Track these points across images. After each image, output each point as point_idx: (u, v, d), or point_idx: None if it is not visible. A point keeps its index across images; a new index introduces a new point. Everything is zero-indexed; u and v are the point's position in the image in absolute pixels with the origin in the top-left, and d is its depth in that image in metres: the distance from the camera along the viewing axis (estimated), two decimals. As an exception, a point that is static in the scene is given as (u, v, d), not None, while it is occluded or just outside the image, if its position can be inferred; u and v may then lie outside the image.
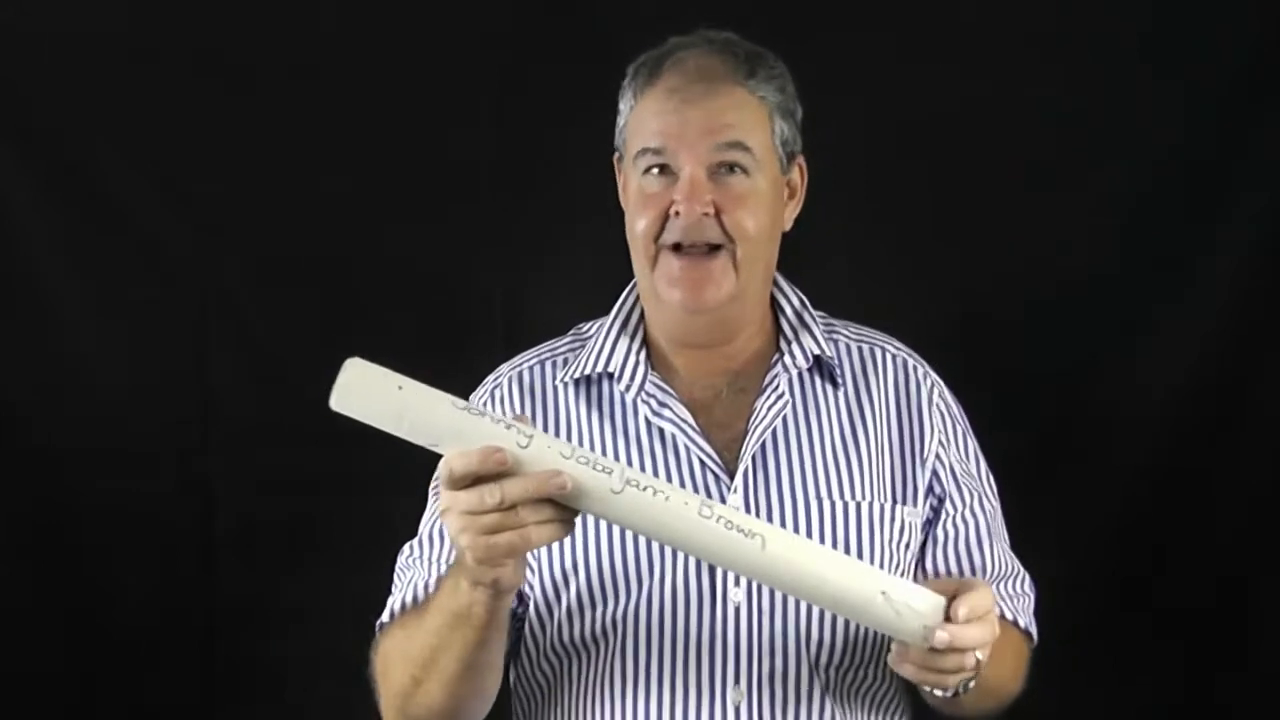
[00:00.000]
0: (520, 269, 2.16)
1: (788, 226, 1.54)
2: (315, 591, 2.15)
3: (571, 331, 1.61)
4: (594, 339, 1.56)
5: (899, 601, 1.29)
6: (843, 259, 2.05)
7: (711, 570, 1.44)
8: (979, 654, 1.32)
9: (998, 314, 2.16)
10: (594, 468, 1.25)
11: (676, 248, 1.47)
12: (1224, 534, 2.17)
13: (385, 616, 1.51)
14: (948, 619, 1.29)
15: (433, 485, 1.55)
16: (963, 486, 1.55)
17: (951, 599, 1.30)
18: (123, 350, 2.16)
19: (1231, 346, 2.16)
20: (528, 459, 1.24)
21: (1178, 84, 2.13)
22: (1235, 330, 2.16)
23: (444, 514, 1.26)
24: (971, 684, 1.36)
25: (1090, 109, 2.14)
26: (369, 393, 1.27)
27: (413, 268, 2.17)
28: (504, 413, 1.53)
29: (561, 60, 2.13)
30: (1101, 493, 2.17)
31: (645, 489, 1.26)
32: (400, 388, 1.27)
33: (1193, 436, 2.17)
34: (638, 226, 1.48)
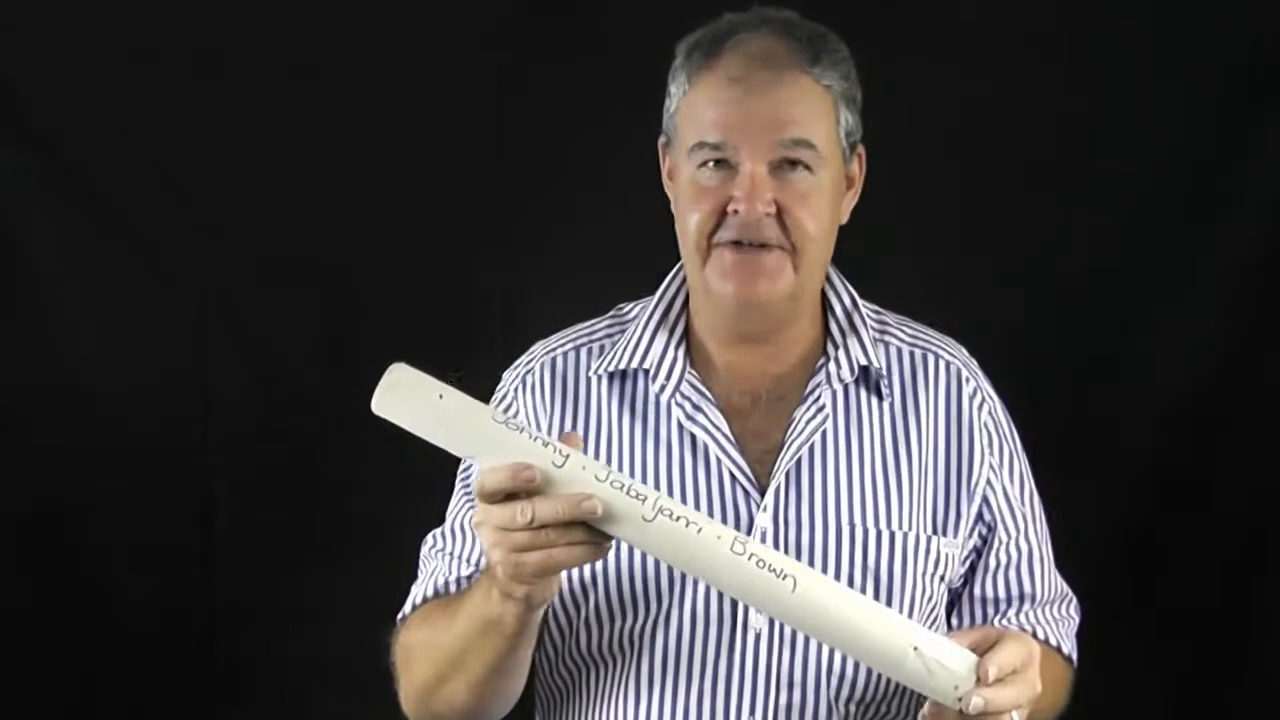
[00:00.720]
0: (520, 269, 2.15)
1: (845, 219, 1.48)
2: (315, 591, 2.15)
3: (612, 311, 1.54)
4: (633, 326, 1.50)
5: (931, 658, 1.24)
6: (841, 260, 2.04)
7: None
8: (1015, 715, 1.25)
9: (997, 314, 2.15)
10: (627, 493, 1.23)
11: (732, 243, 1.40)
12: (1225, 534, 2.17)
13: (407, 608, 1.48)
14: (980, 679, 1.23)
15: (460, 471, 1.52)
16: (1015, 513, 1.49)
17: (986, 652, 1.25)
18: (123, 350, 2.16)
19: (1231, 346, 2.16)
20: (561, 478, 1.22)
21: (1178, 84, 2.13)
22: (1235, 330, 2.16)
23: (478, 526, 1.25)
24: None
25: (1090, 109, 2.14)
26: (410, 399, 1.27)
27: (413, 268, 2.16)
28: (535, 401, 1.49)
29: (561, 60, 2.12)
30: (1101, 493, 2.17)
31: (678, 519, 1.23)
32: (441, 396, 1.26)
33: (1193, 436, 2.16)
34: (690, 221, 1.41)
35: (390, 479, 2.07)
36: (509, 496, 1.22)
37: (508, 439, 1.24)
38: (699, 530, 1.23)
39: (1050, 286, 2.17)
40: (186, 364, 2.18)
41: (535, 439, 1.25)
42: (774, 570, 1.23)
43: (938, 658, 1.24)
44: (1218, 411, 2.17)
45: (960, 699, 1.24)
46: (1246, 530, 2.17)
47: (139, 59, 2.12)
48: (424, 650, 1.41)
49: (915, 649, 1.24)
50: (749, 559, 1.23)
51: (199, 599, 2.18)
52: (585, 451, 1.41)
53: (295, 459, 2.16)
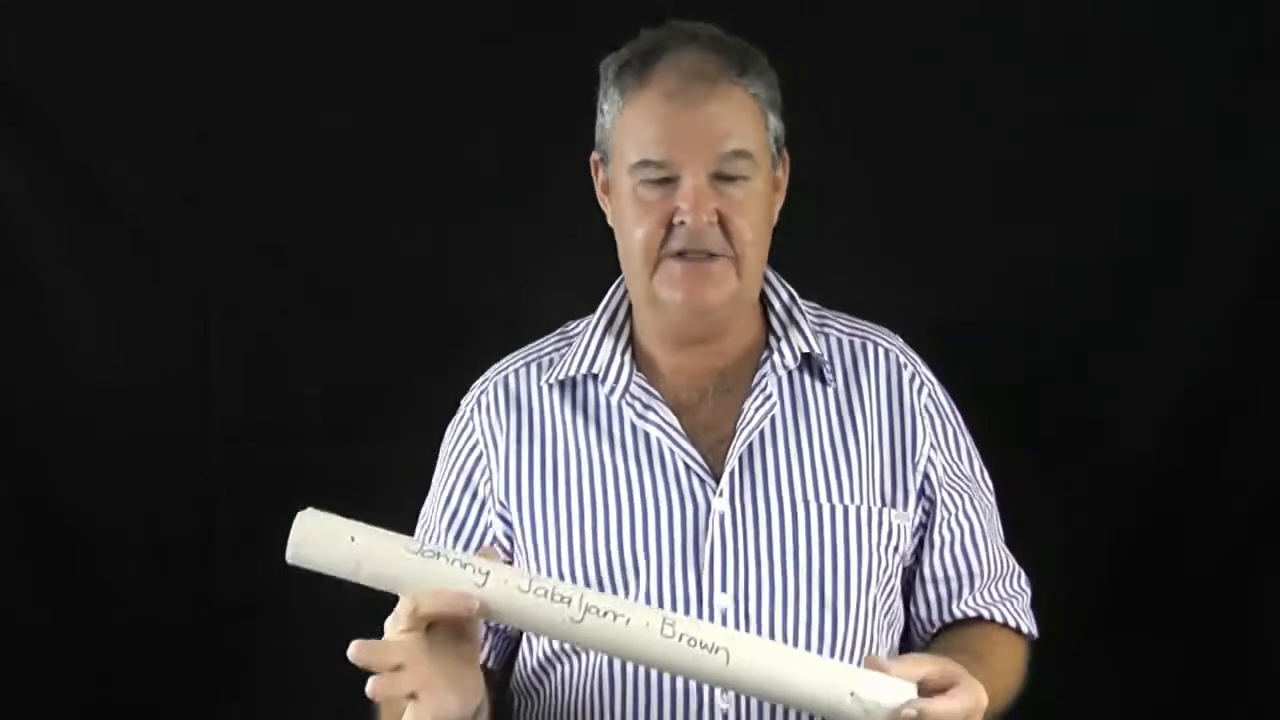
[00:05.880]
0: (520, 269, 2.16)
1: (775, 220, 1.53)
2: (315, 591, 2.13)
3: (559, 330, 1.60)
4: (579, 338, 1.56)
5: (868, 700, 1.29)
6: (840, 261, 2.04)
7: (698, 572, 1.44)
8: None
9: (997, 314, 2.16)
10: (552, 599, 1.27)
11: (678, 254, 1.45)
12: (1224, 534, 2.17)
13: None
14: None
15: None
16: (955, 489, 1.54)
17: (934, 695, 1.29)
18: (123, 350, 2.16)
19: (1231, 346, 2.16)
20: (484, 596, 1.26)
21: (1178, 84, 2.13)
22: (1235, 330, 2.16)
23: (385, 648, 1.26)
24: None
25: (1090, 108, 2.14)
26: (324, 544, 1.30)
27: (413, 268, 2.17)
28: (490, 419, 1.54)
29: (562, 62, 2.11)
30: (1101, 493, 2.17)
31: (605, 614, 1.28)
32: (354, 538, 1.30)
33: (1192, 436, 2.16)
34: (636, 234, 1.46)
35: (390, 478, 2.07)
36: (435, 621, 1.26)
37: (427, 569, 1.28)
38: (627, 621, 1.28)
39: (1049, 286, 2.17)
40: (186, 364, 2.18)
41: (453, 562, 1.28)
42: (705, 646, 1.28)
43: (875, 699, 1.29)
44: (1217, 413, 2.17)
45: None
46: (1245, 531, 2.17)
47: (140, 59, 2.12)
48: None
49: (852, 694, 1.29)
50: (680, 640, 1.28)
51: (199, 598, 2.19)
52: (544, 463, 1.51)
53: (295, 459, 2.16)
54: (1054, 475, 2.14)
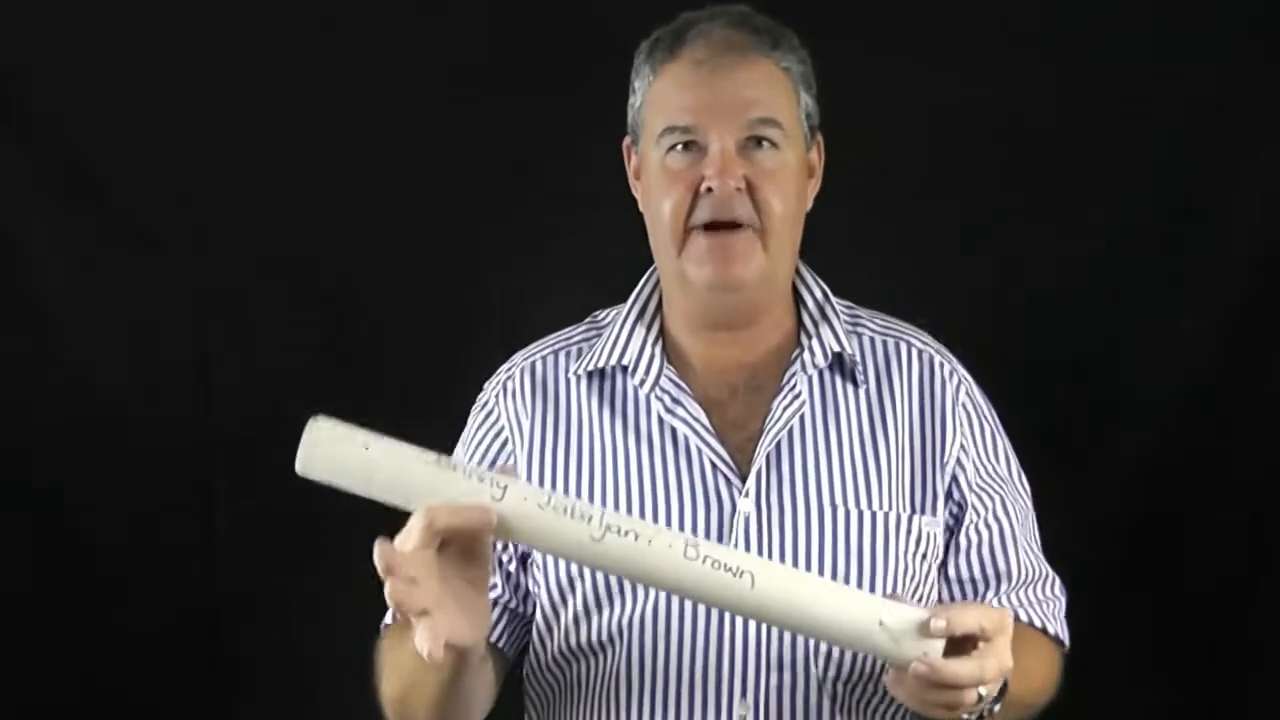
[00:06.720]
0: (520, 269, 2.16)
1: (809, 206, 1.51)
2: (315, 591, 2.15)
3: (588, 319, 1.58)
4: (610, 328, 1.53)
5: (897, 630, 1.25)
6: (840, 261, 2.04)
7: None
8: (981, 690, 1.26)
9: (997, 314, 2.16)
10: (572, 516, 1.22)
11: (705, 227, 1.42)
12: (1225, 534, 2.17)
13: (388, 616, 1.50)
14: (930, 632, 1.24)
15: None
16: (987, 491, 1.50)
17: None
18: (123, 350, 2.16)
19: (1232, 346, 2.16)
20: (502, 511, 1.21)
21: (1178, 84, 2.13)
22: (1235, 330, 2.15)
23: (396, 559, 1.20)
24: (996, 708, 1.31)
25: (1091, 107, 2.14)
26: (335, 454, 1.23)
27: (413, 268, 2.17)
28: (516, 405, 1.51)
29: (564, 64, 2.12)
30: (1101, 494, 2.17)
31: (626, 534, 1.23)
32: (367, 447, 1.22)
33: (1192, 436, 2.17)
34: (664, 207, 1.43)
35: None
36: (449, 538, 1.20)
37: (443, 481, 1.21)
38: (649, 542, 1.23)
39: (1050, 285, 2.17)
40: (186, 364, 2.18)
41: (470, 475, 1.22)
42: (730, 570, 1.24)
43: (905, 628, 1.25)
44: (1217, 412, 2.17)
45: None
46: (1247, 531, 2.16)
47: (140, 59, 2.12)
48: (391, 667, 1.44)
49: (880, 623, 1.25)
50: (704, 563, 1.23)
51: (199, 599, 2.19)
52: (569, 452, 1.47)
53: (295, 458, 2.15)
54: (1053, 476, 2.13)
